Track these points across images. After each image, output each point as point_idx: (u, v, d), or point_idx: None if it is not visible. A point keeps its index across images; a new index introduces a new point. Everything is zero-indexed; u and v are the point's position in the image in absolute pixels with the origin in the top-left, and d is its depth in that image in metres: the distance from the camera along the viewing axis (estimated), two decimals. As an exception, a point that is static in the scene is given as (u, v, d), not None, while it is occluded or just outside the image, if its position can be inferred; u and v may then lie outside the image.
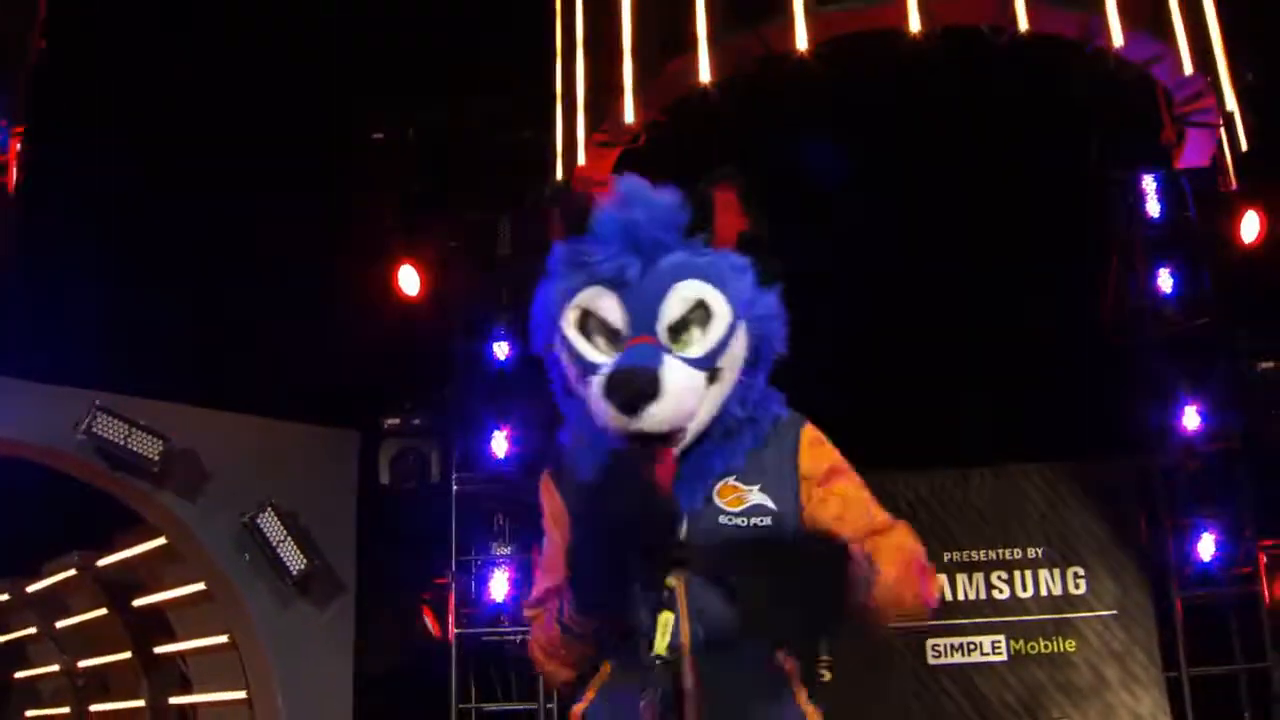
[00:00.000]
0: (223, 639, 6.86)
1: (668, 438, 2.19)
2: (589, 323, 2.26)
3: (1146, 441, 8.02)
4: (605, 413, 2.15)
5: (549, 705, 7.92)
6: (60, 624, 9.04)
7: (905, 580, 2.26)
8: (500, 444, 7.86)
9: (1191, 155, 7.26)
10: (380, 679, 7.42)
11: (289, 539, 6.45)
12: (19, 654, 10.11)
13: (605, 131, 6.85)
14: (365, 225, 8.71)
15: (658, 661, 2.14)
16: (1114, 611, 7.90)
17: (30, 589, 9.00)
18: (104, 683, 8.96)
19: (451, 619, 7.80)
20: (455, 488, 8.09)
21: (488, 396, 8.15)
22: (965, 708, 7.77)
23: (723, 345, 2.24)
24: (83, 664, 9.06)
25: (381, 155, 8.84)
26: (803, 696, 2.35)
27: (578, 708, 2.38)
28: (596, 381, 2.18)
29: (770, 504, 2.32)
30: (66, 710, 9.18)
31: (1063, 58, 6.23)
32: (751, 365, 2.33)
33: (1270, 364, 7.89)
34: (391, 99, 8.72)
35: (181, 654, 7.70)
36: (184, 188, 8.19)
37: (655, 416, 2.14)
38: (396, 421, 8.06)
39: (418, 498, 8.03)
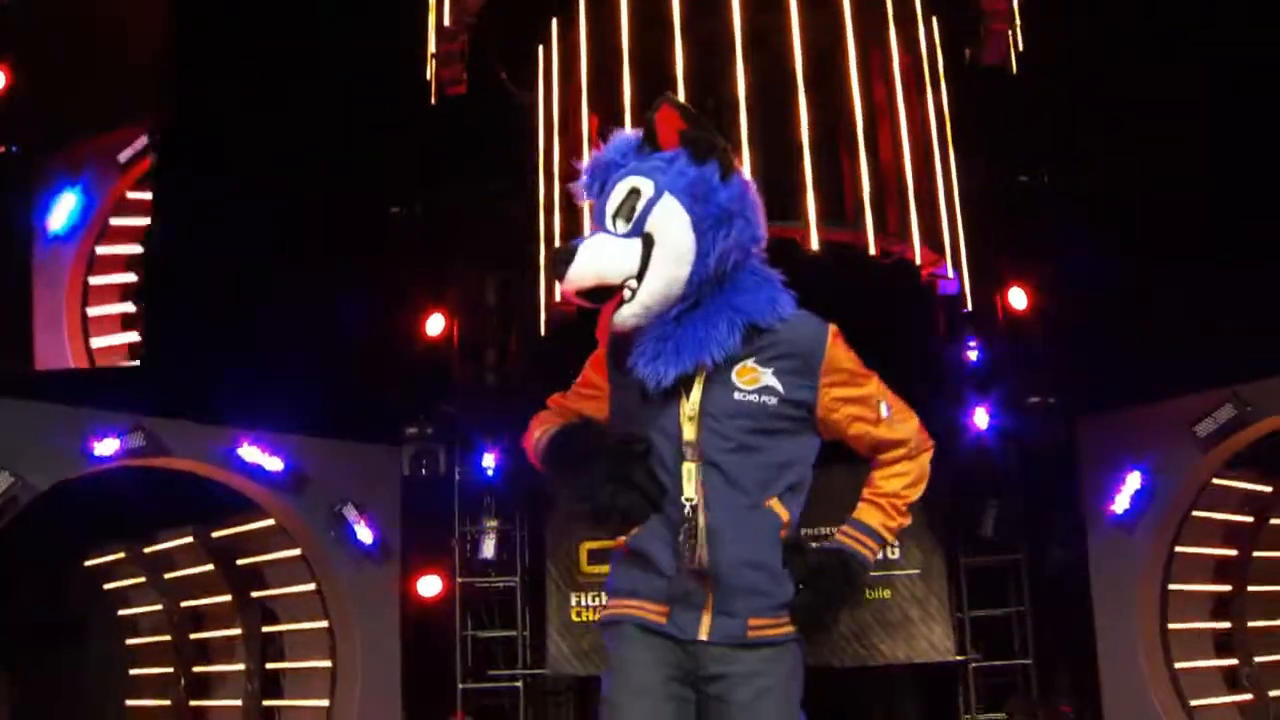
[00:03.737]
0: (311, 587, 10.11)
1: (600, 293, 2.70)
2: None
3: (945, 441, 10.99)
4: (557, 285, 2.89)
5: (524, 633, 10.88)
6: (168, 575, 11.63)
7: (908, 508, 2.88)
8: (489, 458, 10.84)
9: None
10: (415, 612, 10.57)
11: (360, 521, 9.70)
12: (124, 598, 12.54)
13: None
14: (392, 284, 11.48)
15: (686, 503, 2.66)
16: (918, 570, 10.64)
17: (146, 550, 11.64)
18: (201, 618, 11.73)
19: (456, 571, 10.83)
20: (456, 478, 10.92)
21: (480, 411, 11.09)
22: (816, 638, 10.96)
23: (645, 213, 2.66)
24: (184, 604, 11.66)
25: (399, 226, 11.38)
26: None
27: (623, 539, 2.80)
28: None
29: (779, 387, 2.72)
30: (168, 638, 11.97)
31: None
32: (708, 234, 2.65)
33: (1036, 399, 10.81)
34: (404, 183, 11.12)
35: (273, 597, 10.86)
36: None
37: (570, 274, 2.67)
38: (415, 430, 10.86)
39: (430, 485, 10.79)
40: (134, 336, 9.53)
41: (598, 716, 2.80)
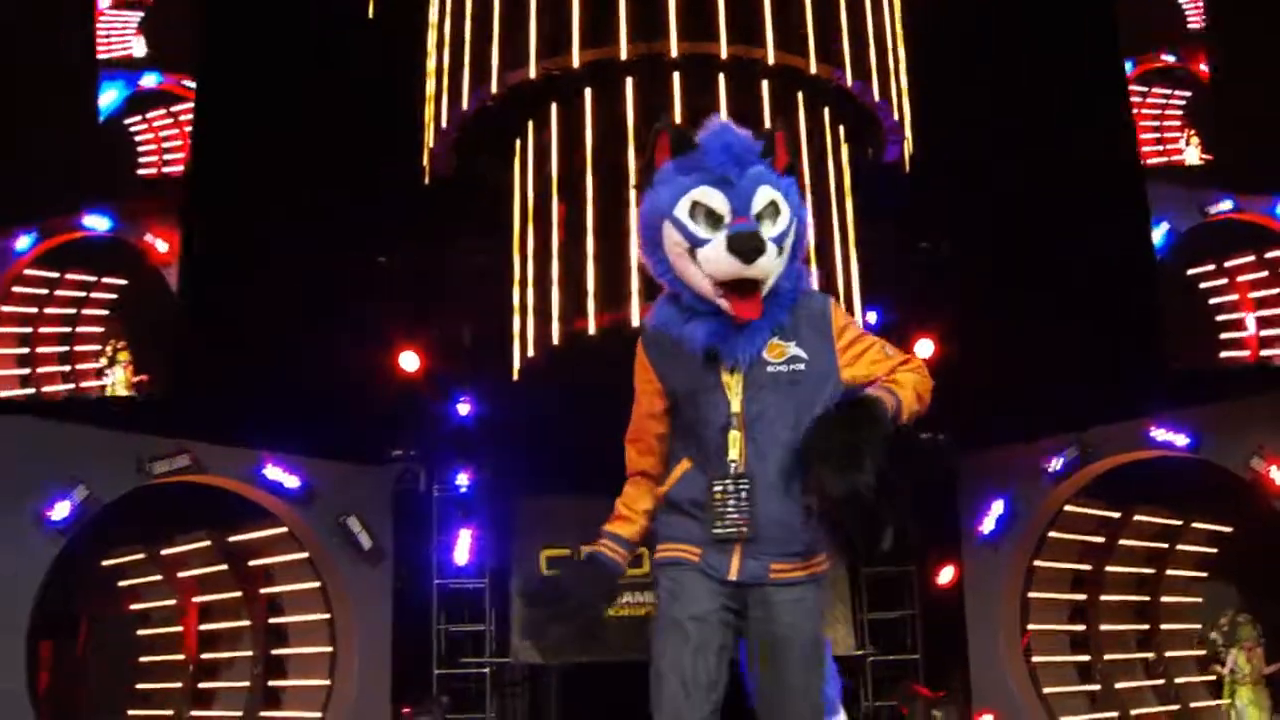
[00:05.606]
0: (316, 584, 12.00)
1: (761, 284, 3.07)
2: (697, 210, 3.07)
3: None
4: (725, 264, 3.00)
5: (490, 628, 12.67)
6: (181, 574, 13.10)
7: (920, 398, 3.16)
8: (463, 477, 12.77)
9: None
10: (406, 608, 12.42)
11: (363, 530, 11.64)
12: (137, 594, 13.55)
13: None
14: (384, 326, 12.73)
15: (731, 463, 3.10)
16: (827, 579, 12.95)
17: (164, 552, 13.08)
18: (211, 612, 13.23)
19: (434, 573, 12.66)
20: (435, 494, 12.84)
21: (454, 435, 12.93)
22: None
23: (786, 232, 3.09)
24: (195, 600, 13.16)
25: (384, 274, 12.89)
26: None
27: (661, 490, 3.27)
28: (718, 241, 3.02)
29: (804, 355, 3.14)
30: (179, 629, 13.50)
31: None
32: (794, 253, 3.16)
33: (929, 435, 13.05)
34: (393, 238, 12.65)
35: (280, 594, 12.67)
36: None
37: (761, 265, 3.02)
38: (400, 453, 12.81)
39: (414, 500, 12.73)
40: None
41: (653, 639, 3.17)
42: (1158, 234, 12.00)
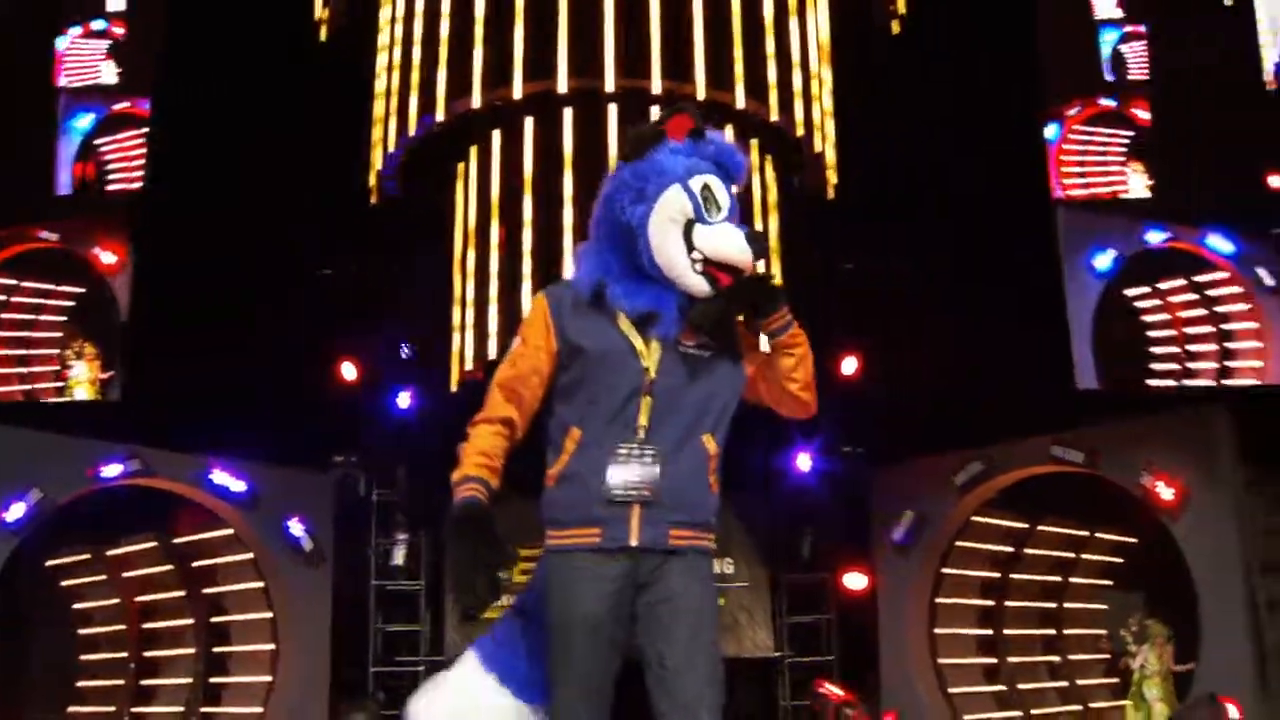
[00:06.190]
0: (259, 584, 12.48)
1: (743, 272, 3.23)
2: (706, 193, 3.22)
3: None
4: (738, 252, 3.17)
5: (425, 628, 13.17)
6: (126, 575, 13.36)
7: (808, 355, 3.40)
8: (401, 475, 13.19)
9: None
10: (344, 608, 12.88)
11: (305, 534, 12.14)
12: (79, 594, 13.77)
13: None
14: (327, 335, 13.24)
15: (641, 428, 3.18)
16: (747, 584, 13.04)
17: (109, 553, 13.33)
18: (154, 611, 13.56)
19: (372, 574, 13.17)
20: (374, 499, 13.32)
21: (391, 443, 13.34)
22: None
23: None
24: (139, 599, 13.50)
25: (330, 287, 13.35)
26: (714, 475, 3.28)
27: (554, 470, 3.25)
28: (728, 229, 3.21)
29: (709, 343, 3.29)
30: (122, 627, 13.76)
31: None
32: None
33: (848, 449, 13.46)
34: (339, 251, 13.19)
35: (224, 594, 13.11)
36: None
37: (759, 264, 3.27)
38: (340, 459, 13.24)
39: (353, 504, 13.17)
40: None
41: (549, 634, 3.21)
42: (1105, 259, 13.01)
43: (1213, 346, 12.89)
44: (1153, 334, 13.20)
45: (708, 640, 3.20)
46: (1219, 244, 12.90)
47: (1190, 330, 13.02)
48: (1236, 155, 12.68)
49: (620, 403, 3.18)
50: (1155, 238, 13.11)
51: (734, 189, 3.32)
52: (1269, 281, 12.54)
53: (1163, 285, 13.16)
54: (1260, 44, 13.12)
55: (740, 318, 3.34)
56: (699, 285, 3.20)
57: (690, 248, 3.17)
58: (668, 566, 3.18)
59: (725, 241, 3.17)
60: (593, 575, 3.15)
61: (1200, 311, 12.99)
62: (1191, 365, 12.97)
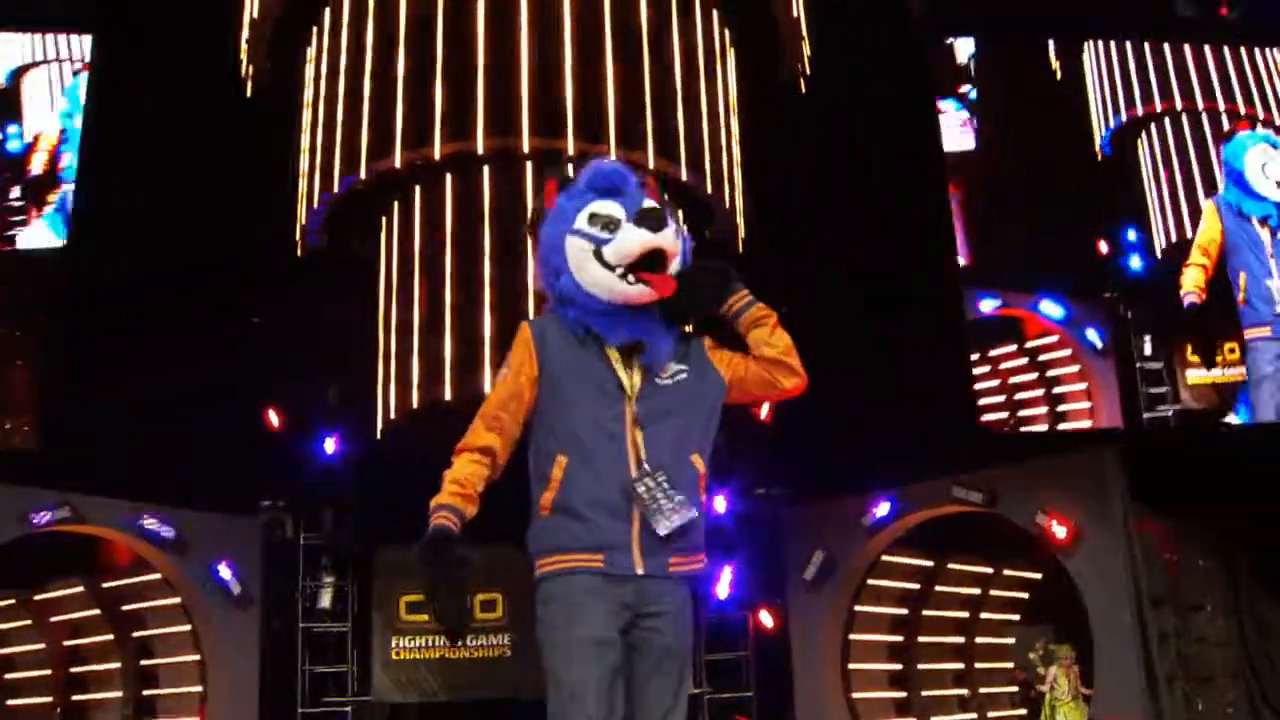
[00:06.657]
0: (187, 628, 12.72)
1: (669, 262, 3.36)
2: (595, 220, 3.35)
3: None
4: (634, 238, 3.28)
5: (353, 669, 13.31)
6: (53, 619, 13.56)
7: (778, 325, 3.55)
8: (328, 520, 13.64)
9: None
10: (272, 650, 13.14)
11: (233, 578, 12.41)
12: (3, 639, 13.71)
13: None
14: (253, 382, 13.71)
15: (643, 460, 3.28)
16: None
17: (36, 598, 13.58)
18: (82, 656, 13.62)
19: (299, 617, 13.36)
20: (302, 542, 13.58)
21: (318, 487, 13.68)
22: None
23: (677, 229, 3.44)
24: (67, 643, 13.66)
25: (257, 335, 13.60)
26: (704, 494, 3.44)
27: (546, 498, 3.30)
28: (623, 228, 3.33)
29: (686, 368, 3.46)
30: (48, 672, 13.73)
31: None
32: (683, 258, 3.49)
33: (762, 490, 14.14)
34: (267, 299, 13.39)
35: (152, 637, 13.29)
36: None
37: (668, 235, 3.34)
38: (268, 503, 13.54)
39: (281, 548, 13.48)
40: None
41: (550, 657, 3.25)
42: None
43: (1043, 410, 13.29)
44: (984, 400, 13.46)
45: (684, 690, 3.37)
46: (1050, 309, 13.24)
47: (1020, 395, 13.43)
48: (1067, 222, 13.16)
49: (604, 435, 3.28)
50: (987, 306, 13.41)
51: (631, 188, 3.48)
52: (1098, 344, 12.97)
53: (993, 353, 13.49)
54: (1090, 113, 13.58)
55: (711, 309, 3.52)
56: (639, 293, 3.36)
57: (610, 267, 3.34)
58: (664, 596, 3.32)
59: (625, 243, 3.32)
60: (601, 596, 3.23)
61: (1031, 375, 13.32)
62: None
